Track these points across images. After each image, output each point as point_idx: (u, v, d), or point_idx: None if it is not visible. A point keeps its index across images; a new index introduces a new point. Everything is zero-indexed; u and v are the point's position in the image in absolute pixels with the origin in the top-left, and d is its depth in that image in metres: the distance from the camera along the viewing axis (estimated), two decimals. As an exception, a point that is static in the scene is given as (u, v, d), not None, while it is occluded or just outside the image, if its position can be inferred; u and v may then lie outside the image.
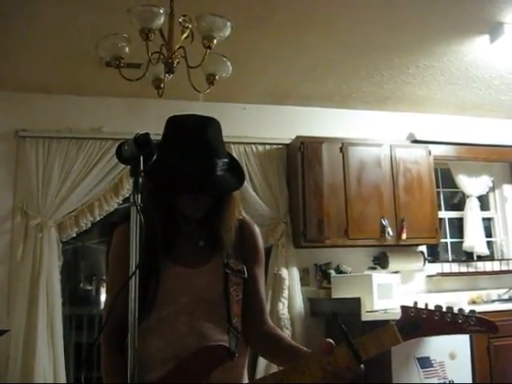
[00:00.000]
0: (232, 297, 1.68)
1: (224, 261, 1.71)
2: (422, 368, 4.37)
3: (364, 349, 1.46)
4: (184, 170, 1.61)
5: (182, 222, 1.74)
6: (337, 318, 1.51)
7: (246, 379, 1.74)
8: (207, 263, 1.71)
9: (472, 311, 1.48)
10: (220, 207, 1.71)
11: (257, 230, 1.86)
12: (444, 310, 1.49)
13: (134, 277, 1.26)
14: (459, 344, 4.52)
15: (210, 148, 1.67)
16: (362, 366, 1.46)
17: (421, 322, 1.48)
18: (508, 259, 5.98)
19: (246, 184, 5.14)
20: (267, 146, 5.36)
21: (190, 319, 1.65)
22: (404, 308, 1.51)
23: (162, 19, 2.98)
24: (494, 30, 4.07)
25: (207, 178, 1.65)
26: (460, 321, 1.46)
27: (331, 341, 1.50)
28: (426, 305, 1.51)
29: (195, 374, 1.57)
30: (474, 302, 5.41)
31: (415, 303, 1.52)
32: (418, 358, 4.38)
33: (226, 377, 1.62)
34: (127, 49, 3.10)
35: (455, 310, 1.48)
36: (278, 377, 1.55)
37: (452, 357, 4.48)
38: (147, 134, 1.38)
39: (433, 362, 4.43)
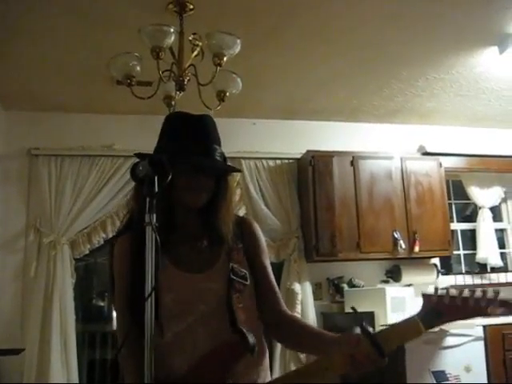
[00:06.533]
0: (236, 305, 1.62)
1: (229, 265, 1.68)
2: (437, 381, 4.33)
3: (387, 343, 1.44)
4: (184, 148, 1.65)
5: (181, 222, 1.71)
6: (356, 312, 1.51)
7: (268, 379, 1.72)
8: (213, 266, 1.68)
9: (496, 292, 1.43)
10: (217, 199, 1.71)
11: (256, 224, 1.86)
12: (466, 293, 1.43)
13: (150, 298, 1.25)
14: (474, 357, 4.49)
15: (209, 133, 1.70)
16: (386, 359, 1.44)
17: (443, 309, 1.44)
18: (522, 270, 5.94)
19: (258, 199, 5.16)
20: (278, 161, 5.37)
21: (209, 329, 1.60)
22: (426, 296, 1.48)
23: (173, 38, 3.02)
24: (502, 41, 4.08)
25: (206, 155, 1.67)
26: (483, 304, 1.41)
27: (359, 334, 1.47)
28: (447, 290, 1.46)
29: (214, 372, 1.53)
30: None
31: (436, 289, 1.48)
32: (433, 372, 4.34)
33: (249, 373, 1.62)
34: (138, 67, 3.14)
35: (478, 293, 1.43)
36: (301, 373, 1.56)
37: (467, 370, 4.44)
38: (162, 155, 1.39)
39: (448, 375, 4.39)
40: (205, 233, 1.72)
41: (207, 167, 1.68)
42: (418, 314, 1.46)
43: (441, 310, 1.44)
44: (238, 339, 1.53)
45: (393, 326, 1.52)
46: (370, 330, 1.46)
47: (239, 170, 1.80)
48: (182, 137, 1.69)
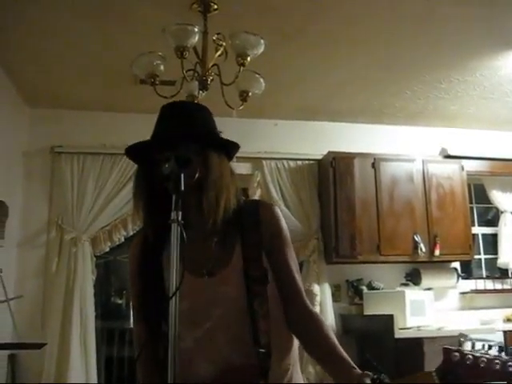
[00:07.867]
0: (257, 313, 1.52)
1: (244, 267, 1.55)
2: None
3: None
4: (159, 129, 1.60)
5: (191, 222, 1.51)
6: (376, 366, 1.45)
7: None
8: (226, 267, 1.56)
9: None
10: (203, 180, 1.54)
11: (276, 209, 1.68)
12: (493, 354, 1.35)
13: (174, 298, 1.26)
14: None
15: (190, 114, 1.62)
16: None
17: (465, 368, 1.34)
18: (544, 276, 5.86)
19: (278, 199, 5.15)
20: (299, 162, 5.37)
21: (229, 334, 1.53)
22: (447, 351, 1.38)
23: (197, 37, 3.03)
24: (528, 44, 4.05)
25: (180, 129, 1.57)
26: (510, 370, 1.31)
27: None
28: (473, 344, 1.39)
29: None
30: (508, 320, 5.31)
31: (460, 343, 1.40)
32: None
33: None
34: (162, 67, 3.16)
35: (504, 357, 1.34)
36: None
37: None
38: (188, 153, 1.39)
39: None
40: (214, 231, 1.57)
41: (160, 145, 1.55)
42: (437, 371, 1.37)
43: (461, 368, 1.35)
44: (252, 363, 1.49)
45: (408, 377, 1.43)
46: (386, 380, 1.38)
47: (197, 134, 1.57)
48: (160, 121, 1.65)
